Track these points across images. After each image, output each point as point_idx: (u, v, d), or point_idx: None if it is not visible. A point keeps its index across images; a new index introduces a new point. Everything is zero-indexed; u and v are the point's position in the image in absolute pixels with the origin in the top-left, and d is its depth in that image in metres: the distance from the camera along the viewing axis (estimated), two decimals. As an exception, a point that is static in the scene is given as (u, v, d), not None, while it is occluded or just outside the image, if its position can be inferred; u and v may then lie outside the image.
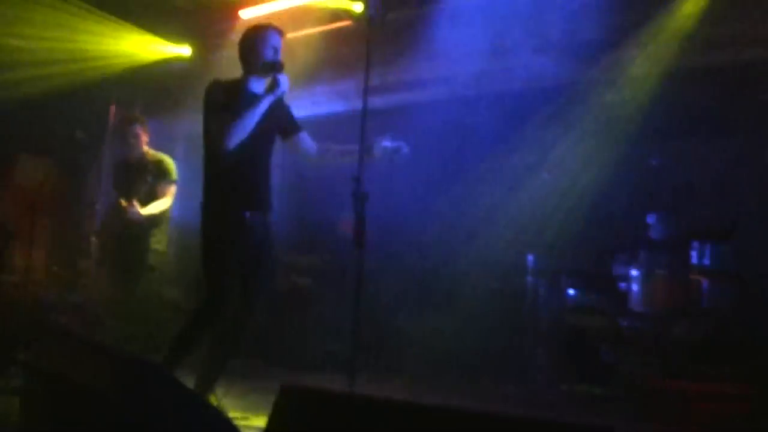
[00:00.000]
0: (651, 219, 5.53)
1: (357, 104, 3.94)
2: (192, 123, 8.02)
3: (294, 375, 5.32)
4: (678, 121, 6.08)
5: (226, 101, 3.65)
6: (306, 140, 3.97)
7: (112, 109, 7.93)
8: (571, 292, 5.84)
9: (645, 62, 5.51)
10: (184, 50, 7.54)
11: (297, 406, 1.91)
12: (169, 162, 5.41)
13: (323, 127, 4.61)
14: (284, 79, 3.70)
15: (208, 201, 3.74)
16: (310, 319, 6.56)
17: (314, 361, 5.97)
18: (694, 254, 5.36)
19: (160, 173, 5.35)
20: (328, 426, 1.83)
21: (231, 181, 3.68)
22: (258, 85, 3.81)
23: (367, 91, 3.45)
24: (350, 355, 3.10)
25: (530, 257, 6.12)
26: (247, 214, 3.67)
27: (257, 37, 3.83)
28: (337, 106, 6.46)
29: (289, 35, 6.60)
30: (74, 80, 7.09)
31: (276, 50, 3.81)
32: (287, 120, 3.94)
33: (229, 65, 6.91)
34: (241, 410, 3.95)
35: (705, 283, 5.24)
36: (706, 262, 5.38)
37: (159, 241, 5.36)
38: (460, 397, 5.42)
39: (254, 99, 3.70)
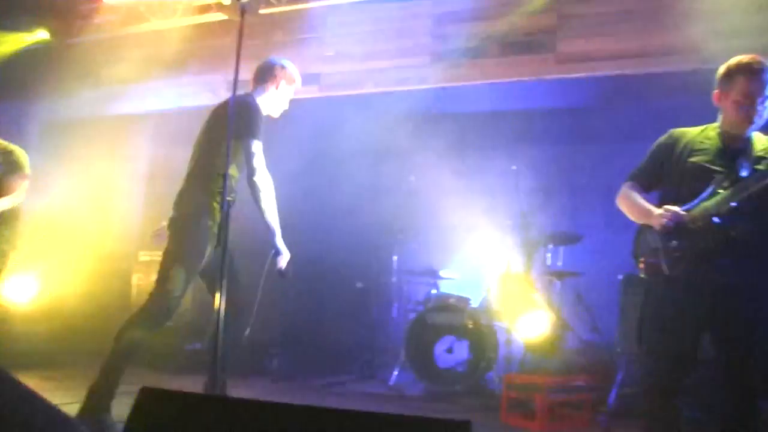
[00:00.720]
0: (510, 222, 5.79)
1: (225, 97, 3.88)
2: (49, 108, 7.60)
3: (157, 376, 5.13)
4: (537, 128, 6.43)
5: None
6: None
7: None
8: (433, 291, 6.03)
9: (506, 70, 5.73)
10: (41, 35, 7.02)
11: (156, 408, 1.87)
12: (21, 153, 4.88)
13: (190, 120, 4.45)
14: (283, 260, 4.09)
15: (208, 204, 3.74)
16: (174, 318, 6.36)
17: (177, 362, 5.79)
18: (549, 256, 5.70)
19: (10, 166, 4.81)
20: (186, 428, 1.81)
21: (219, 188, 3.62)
22: (265, 105, 4.00)
23: (236, 85, 3.37)
24: (212, 357, 3.03)
25: (395, 258, 6.26)
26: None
27: (283, 76, 4.09)
28: (204, 99, 6.30)
29: (159, 24, 6.44)
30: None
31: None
32: None
33: (90, 48, 6.69)
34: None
35: (557, 283, 5.58)
36: (559, 264, 5.74)
37: (8, 240, 4.86)
38: (324, 396, 5.45)
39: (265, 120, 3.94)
